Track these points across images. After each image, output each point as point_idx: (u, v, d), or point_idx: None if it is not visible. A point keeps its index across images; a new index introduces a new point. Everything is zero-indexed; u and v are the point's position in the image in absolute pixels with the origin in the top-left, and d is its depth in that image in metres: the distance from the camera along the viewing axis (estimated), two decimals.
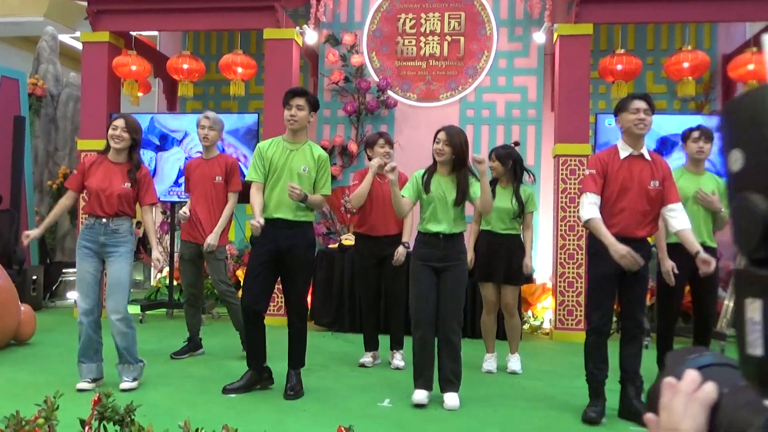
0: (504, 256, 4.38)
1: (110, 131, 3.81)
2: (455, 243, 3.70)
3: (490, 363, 4.56)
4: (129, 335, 3.82)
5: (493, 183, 4.47)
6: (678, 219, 3.45)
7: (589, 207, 3.40)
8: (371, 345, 4.71)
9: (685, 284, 4.20)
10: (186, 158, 6.08)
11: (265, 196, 3.76)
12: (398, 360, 4.63)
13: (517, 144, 4.82)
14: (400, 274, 4.56)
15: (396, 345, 4.70)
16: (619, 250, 3.22)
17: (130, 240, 3.91)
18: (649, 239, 3.61)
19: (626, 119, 3.42)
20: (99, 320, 3.87)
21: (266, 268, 3.77)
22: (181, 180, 5.62)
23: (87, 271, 3.80)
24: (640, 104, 3.41)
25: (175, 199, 6.38)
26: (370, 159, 4.66)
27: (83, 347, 3.81)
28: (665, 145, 5.74)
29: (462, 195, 3.65)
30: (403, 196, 3.70)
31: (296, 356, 3.86)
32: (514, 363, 4.54)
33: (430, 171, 3.74)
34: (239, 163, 4.98)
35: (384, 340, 4.75)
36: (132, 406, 2.39)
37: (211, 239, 4.51)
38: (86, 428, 2.38)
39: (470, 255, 4.47)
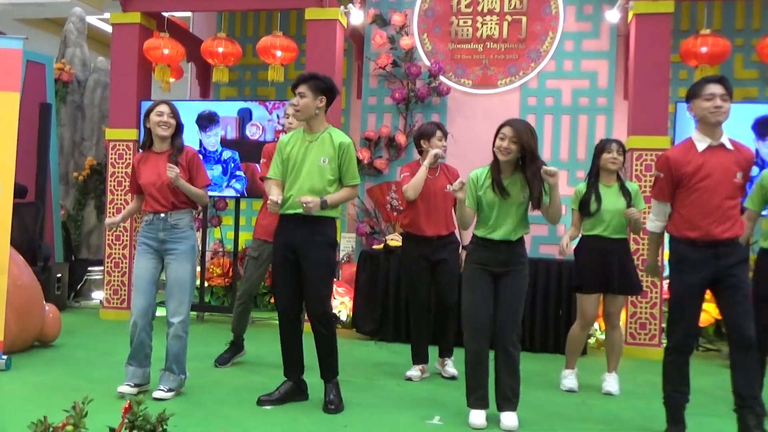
0: (616, 264, 4.30)
1: (156, 118, 3.93)
2: (517, 247, 3.66)
3: (570, 380, 4.49)
4: (183, 341, 3.94)
5: (596, 180, 4.41)
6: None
7: (655, 220, 3.53)
8: (420, 358, 4.70)
9: None
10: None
11: (285, 192, 3.77)
12: (451, 367, 4.68)
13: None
14: (455, 280, 4.54)
15: (446, 353, 4.75)
16: (650, 263, 3.75)
17: (191, 236, 4.00)
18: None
19: (700, 106, 3.31)
20: (152, 322, 3.99)
21: (288, 268, 3.81)
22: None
23: (144, 267, 3.94)
24: (716, 89, 3.28)
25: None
26: (421, 152, 4.65)
27: (134, 350, 3.94)
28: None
29: (539, 195, 3.53)
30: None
31: (326, 366, 3.86)
32: (611, 383, 4.44)
33: (497, 172, 3.61)
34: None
35: (432, 349, 4.75)
36: (164, 416, 2.45)
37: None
38: None
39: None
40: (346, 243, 7.28)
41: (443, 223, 4.59)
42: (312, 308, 3.82)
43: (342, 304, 6.51)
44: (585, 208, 4.34)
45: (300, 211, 3.68)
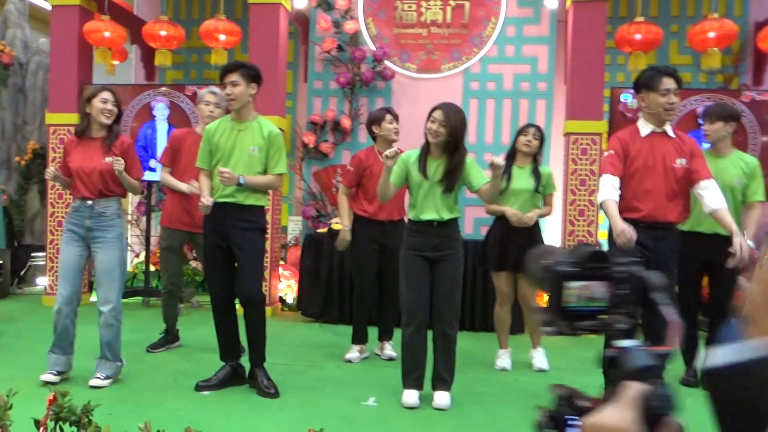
0: (520, 243, 4.41)
1: (100, 105, 3.86)
2: (450, 230, 3.72)
3: (504, 360, 4.61)
4: (114, 329, 3.89)
5: (510, 162, 4.52)
6: (710, 197, 3.41)
7: (606, 188, 3.42)
8: (360, 338, 4.76)
9: (702, 274, 4.24)
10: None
11: (213, 180, 3.79)
12: (389, 350, 4.79)
13: None
14: None
15: (385, 335, 4.84)
16: (617, 226, 3.27)
17: (118, 224, 3.96)
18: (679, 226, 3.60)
19: (655, 101, 3.37)
20: (77, 310, 3.95)
21: (220, 254, 3.83)
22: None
23: (70, 255, 3.89)
24: (671, 83, 3.34)
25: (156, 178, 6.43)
26: (374, 138, 4.70)
27: (58, 337, 3.89)
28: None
29: (452, 182, 3.65)
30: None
31: (254, 352, 3.87)
32: (539, 359, 4.58)
33: (425, 152, 3.72)
34: None
35: (372, 331, 4.83)
36: (89, 406, 2.45)
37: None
38: (41, 429, 2.45)
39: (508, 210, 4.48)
40: (293, 226, 7.28)
41: (395, 208, 4.63)
42: (243, 293, 3.84)
43: (288, 287, 6.54)
44: None
45: (230, 199, 3.72)
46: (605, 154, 3.56)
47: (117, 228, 3.94)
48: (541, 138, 4.57)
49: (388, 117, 4.62)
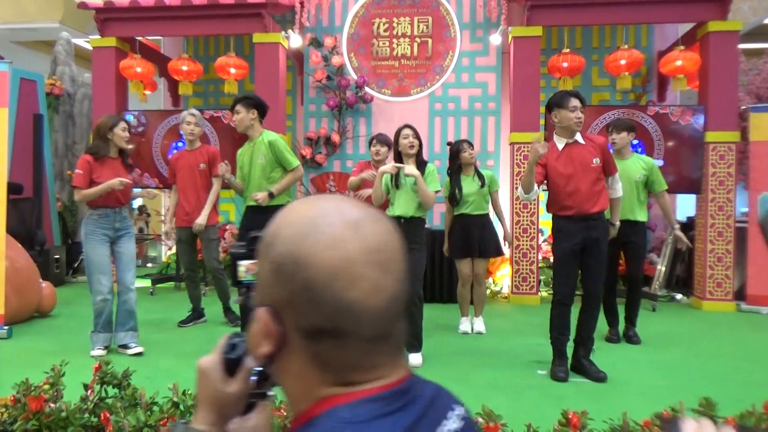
0: (477, 234, 4.42)
1: (122, 133, 3.82)
2: (415, 228, 3.61)
3: (465, 325, 4.63)
4: (135, 302, 3.88)
5: (458, 174, 4.48)
6: (612, 189, 3.55)
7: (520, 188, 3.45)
8: None
9: (619, 253, 4.26)
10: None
11: (247, 189, 3.93)
12: None
13: (450, 143, 4.81)
14: None
15: None
16: (531, 156, 3.23)
17: (132, 223, 4.02)
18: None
19: (566, 117, 3.31)
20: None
21: None
22: None
23: (104, 255, 3.82)
24: (576, 102, 3.31)
25: None
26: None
27: (104, 320, 3.84)
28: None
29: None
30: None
31: None
32: (479, 324, 4.61)
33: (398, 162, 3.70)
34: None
35: None
36: (128, 372, 2.42)
37: (200, 220, 4.52)
38: (89, 391, 2.41)
39: (446, 244, 4.57)
40: None
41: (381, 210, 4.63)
42: None
43: None
44: (453, 198, 4.45)
45: (253, 203, 3.87)
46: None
47: (132, 226, 3.99)
48: (473, 146, 4.57)
49: (374, 141, 4.57)
